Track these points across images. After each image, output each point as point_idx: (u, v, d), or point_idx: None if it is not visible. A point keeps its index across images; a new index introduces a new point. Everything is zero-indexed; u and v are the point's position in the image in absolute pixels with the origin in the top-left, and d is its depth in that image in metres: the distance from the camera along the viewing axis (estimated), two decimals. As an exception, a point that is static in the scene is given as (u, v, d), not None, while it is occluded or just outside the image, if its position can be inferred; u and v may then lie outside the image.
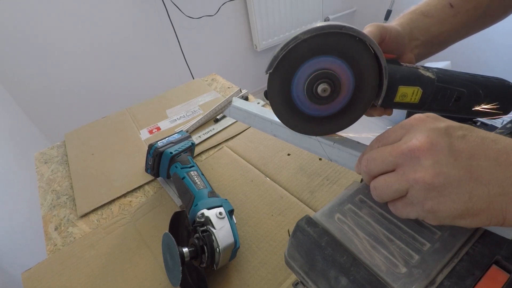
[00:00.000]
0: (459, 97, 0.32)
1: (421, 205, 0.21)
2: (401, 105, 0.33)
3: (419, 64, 0.35)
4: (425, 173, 0.20)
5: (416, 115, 0.24)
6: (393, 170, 0.22)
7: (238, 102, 0.46)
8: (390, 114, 0.35)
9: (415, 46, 0.38)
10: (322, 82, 0.29)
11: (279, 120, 0.37)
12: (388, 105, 0.33)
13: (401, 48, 0.37)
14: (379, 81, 0.30)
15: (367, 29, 0.34)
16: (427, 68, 0.32)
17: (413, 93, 0.32)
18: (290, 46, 0.27)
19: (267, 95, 0.31)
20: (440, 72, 0.32)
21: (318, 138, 0.33)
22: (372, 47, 0.28)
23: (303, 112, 0.32)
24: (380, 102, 0.31)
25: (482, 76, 0.33)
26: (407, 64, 0.33)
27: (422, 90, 0.31)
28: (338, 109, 0.32)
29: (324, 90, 0.29)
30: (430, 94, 0.32)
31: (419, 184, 0.20)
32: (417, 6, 0.40)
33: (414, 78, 0.31)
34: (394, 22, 0.39)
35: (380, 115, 0.35)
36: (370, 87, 0.30)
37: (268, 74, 0.29)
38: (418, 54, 0.39)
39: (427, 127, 0.22)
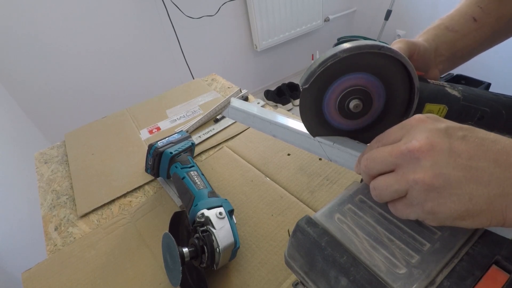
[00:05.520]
0: (482, 116, 0.32)
1: (421, 206, 0.21)
2: None
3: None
4: (424, 174, 0.20)
5: (416, 116, 0.24)
6: (392, 171, 0.22)
7: (236, 103, 0.46)
8: None
9: (440, 61, 0.39)
10: (355, 98, 0.29)
11: (282, 122, 0.37)
12: None
13: (427, 64, 0.37)
14: (408, 99, 0.31)
15: (397, 45, 0.34)
16: (453, 86, 0.33)
17: (438, 111, 0.32)
18: (328, 64, 0.27)
19: (299, 110, 0.31)
20: (465, 90, 0.32)
21: (318, 138, 0.33)
22: (407, 68, 0.28)
23: (333, 126, 0.32)
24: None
25: (505, 96, 0.33)
26: (434, 82, 0.33)
27: (447, 108, 0.32)
28: (366, 124, 0.32)
29: (356, 106, 0.29)
30: (455, 112, 0.32)
31: (419, 185, 0.20)
32: (440, 21, 0.41)
33: (441, 96, 0.32)
34: (419, 38, 0.39)
35: None
36: (399, 104, 0.31)
37: (302, 89, 0.29)
38: (442, 69, 0.39)
39: (427, 127, 0.22)
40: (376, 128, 0.33)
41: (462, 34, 0.39)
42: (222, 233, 0.40)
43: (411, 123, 0.23)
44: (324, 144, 0.33)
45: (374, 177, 0.24)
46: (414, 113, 0.32)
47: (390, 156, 0.22)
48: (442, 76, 2.01)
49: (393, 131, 0.24)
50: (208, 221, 0.42)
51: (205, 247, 0.39)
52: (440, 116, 0.32)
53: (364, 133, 0.33)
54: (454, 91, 0.32)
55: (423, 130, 0.22)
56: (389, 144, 0.23)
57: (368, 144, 0.28)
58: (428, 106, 0.32)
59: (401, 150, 0.22)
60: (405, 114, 0.32)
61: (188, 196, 0.47)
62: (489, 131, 0.26)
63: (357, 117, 0.31)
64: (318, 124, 0.32)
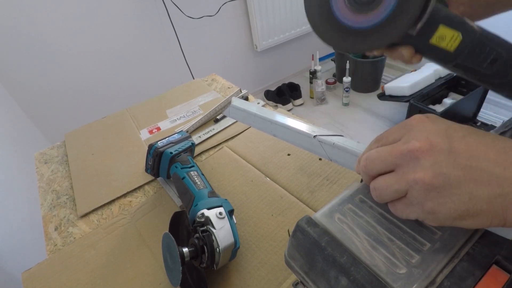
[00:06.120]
0: (495, 59, 0.30)
1: (421, 206, 0.21)
2: (434, 51, 0.31)
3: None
4: (424, 174, 0.20)
5: (417, 116, 0.24)
6: (392, 171, 0.22)
7: (237, 102, 0.46)
8: (418, 60, 0.33)
9: (461, 3, 0.37)
10: None
11: (283, 122, 0.37)
12: (421, 46, 0.31)
13: None
14: (424, 3, 0.28)
15: None
16: (471, 21, 0.30)
17: (452, 38, 0.30)
18: None
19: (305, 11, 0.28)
20: (483, 29, 0.30)
21: (319, 137, 0.33)
22: None
23: (339, 21, 0.29)
24: (419, 26, 0.29)
25: None
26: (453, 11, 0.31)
27: (461, 38, 0.29)
28: (374, 24, 0.29)
29: None
30: (468, 46, 0.30)
31: (419, 185, 0.20)
32: None
33: (458, 22, 0.29)
34: None
35: (409, 58, 0.32)
36: (413, 5, 0.28)
37: None
38: (462, 11, 0.38)
39: (427, 128, 0.22)
40: (386, 31, 0.30)
41: None
42: (222, 233, 0.40)
43: (411, 123, 0.23)
44: (325, 143, 0.33)
45: (374, 177, 0.24)
46: (424, 34, 0.29)
47: (389, 156, 0.22)
48: (443, 76, 1.97)
49: (393, 131, 0.24)
50: (208, 221, 0.42)
51: (205, 247, 0.39)
52: (453, 45, 0.30)
53: (372, 35, 0.30)
54: (472, 23, 0.30)
55: (423, 130, 0.22)
56: (389, 144, 0.23)
57: (367, 145, 0.28)
58: (442, 28, 0.29)
59: (401, 150, 0.22)
60: (417, 20, 0.29)
61: (188, 196, 0.47)
62: (497, 81, 0.25)
63: (366, 11, 0.28)
64: (323, 18, 0.29)
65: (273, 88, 2.17)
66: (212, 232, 0.40)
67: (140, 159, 0.67)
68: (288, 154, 0.62)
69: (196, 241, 0.39)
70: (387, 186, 0.22)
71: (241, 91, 0.81)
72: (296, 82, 2.19)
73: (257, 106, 0.43)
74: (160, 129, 0.76)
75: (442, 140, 0.21)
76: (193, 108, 0.80)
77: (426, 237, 0.24)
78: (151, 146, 0.57)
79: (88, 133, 0.78)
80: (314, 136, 0.33)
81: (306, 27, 2.11)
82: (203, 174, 0.52)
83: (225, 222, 0.42)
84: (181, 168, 0.52)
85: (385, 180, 0.22)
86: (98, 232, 0.53)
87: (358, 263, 0.23)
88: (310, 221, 0.27)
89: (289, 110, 2.07)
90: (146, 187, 0.61)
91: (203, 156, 0.66)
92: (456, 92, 1.78)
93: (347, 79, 1.93)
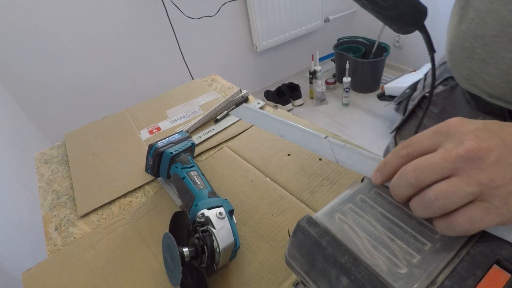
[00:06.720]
0: None
1: (506, 205, 0.20)
2: None
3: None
4: (497, 171, 0.20)
5: (451, 120, 0.23)
6: (448, 177, 0.21)
7: (247, 105, 0.47)
8: None
9: None
10: None
11: (292, 122, 0.38)
12: None
13: None
14: None
15: None
16: None
17: None
18: None
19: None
20: None
21: (329, 138, 0.33)
22: None
23: None
24: None
25: None
26: None
27: None
28: None
29: None
30: None
31: (497, 182, 0.20)
32: None
33: None
34: None
35: None
36: None
37: None
38: None
39: (468, 128, 0.22)
40: None
41: None
42: (222, 233, 0.40)
43: (449, 126, 0.23)
44: (335, 144, 0.33)
45: (425, 187, 0.22)
46: None
47: (444, 161, 0.21)
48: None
49: (424, 137, 0.24)
50: (208, 221, 0.41)
51: (205, 247, 0.39)
52: None
53: None
54: None
55: (466, 131, 0.22)
56: (423, 150, 0.23)
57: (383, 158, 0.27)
58: None
59: (456, 153, 0.21)
60: None
61: (188, 196, 0.47)
62: (391, 14, 0.30)
63: None
64: None
65: (273, 88, 2.18)
66: (212, 232, 0.40)
67: (140, 159, 0.67)
68: (288, 154, 0.62)
69: (196, 241, 0.39)
70: (455, 192, 0.21)
71: (241, 91, 0.81)
72: (296, 82, 2.19)
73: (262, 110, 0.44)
74: (160, 129, 0.76)
75: (491, 136, 0.21)
76: (193, 108, 0.80)
77: (427, 237, 0.24)
78: (151, 146, 0.57)
79: (88, 133, 0.78)
80: (325, 137, 0.33)
81: (306, 27, 2.11)
82: (203, 174, 0.52)
83: (225, 222, 0.42)
84: (181, 168, 0.52)
85: (450, 186, 0.21)
86: (98, 232, 0.53)
87: (358, 263, 0.23)
88: (311, 221, 0.27)
89: (289, 111, 2.07)
90: (146, 187, 0.61)
91: (203, 156, 0.66)
92: (456, 92, 1.78)
93: (347, 79, 1.93)
